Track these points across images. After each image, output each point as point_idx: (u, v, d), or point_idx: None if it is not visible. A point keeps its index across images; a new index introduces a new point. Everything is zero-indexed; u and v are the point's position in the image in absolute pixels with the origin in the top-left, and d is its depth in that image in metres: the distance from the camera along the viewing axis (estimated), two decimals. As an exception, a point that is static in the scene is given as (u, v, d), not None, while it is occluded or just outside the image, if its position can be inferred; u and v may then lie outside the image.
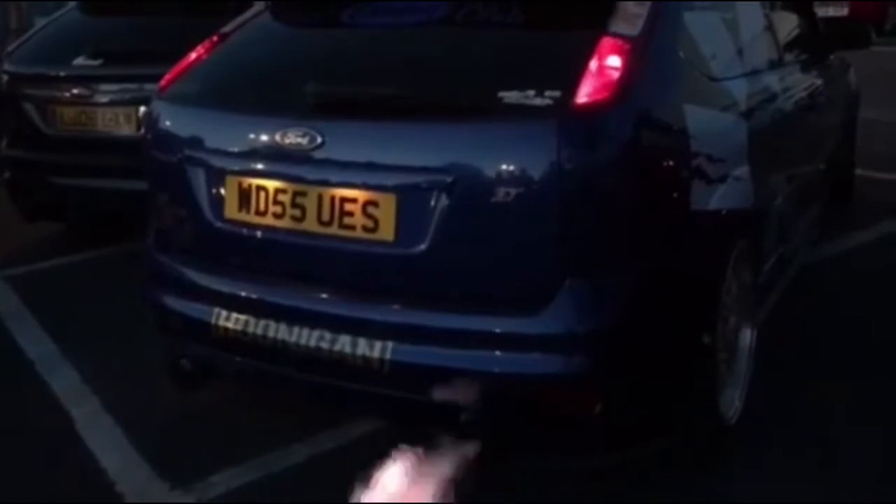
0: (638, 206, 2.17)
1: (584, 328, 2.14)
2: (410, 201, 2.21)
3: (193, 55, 2.81)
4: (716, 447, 2.59)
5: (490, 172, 2.13)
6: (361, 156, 2.26)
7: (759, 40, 2.99)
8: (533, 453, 2.40)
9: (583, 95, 2.11)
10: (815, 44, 3.86)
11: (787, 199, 3.14)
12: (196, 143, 2.56)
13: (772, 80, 3.01)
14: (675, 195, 2.28)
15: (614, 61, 2.17)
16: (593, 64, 2.17)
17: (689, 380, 2.36)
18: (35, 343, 3.73)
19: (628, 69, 2.17)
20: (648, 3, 2.37)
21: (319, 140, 2.26)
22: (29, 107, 4.56)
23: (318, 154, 2.28)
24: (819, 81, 3.73)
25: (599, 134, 2.12)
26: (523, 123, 2.11)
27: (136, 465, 2.78)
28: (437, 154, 2.19)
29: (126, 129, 4.36)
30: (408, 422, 2.43)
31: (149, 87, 3.05)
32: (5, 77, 4.70)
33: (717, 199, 2.42)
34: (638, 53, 2.22)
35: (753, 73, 2.87)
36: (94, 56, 4.41)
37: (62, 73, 4.46)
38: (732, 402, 2.70)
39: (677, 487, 2.50)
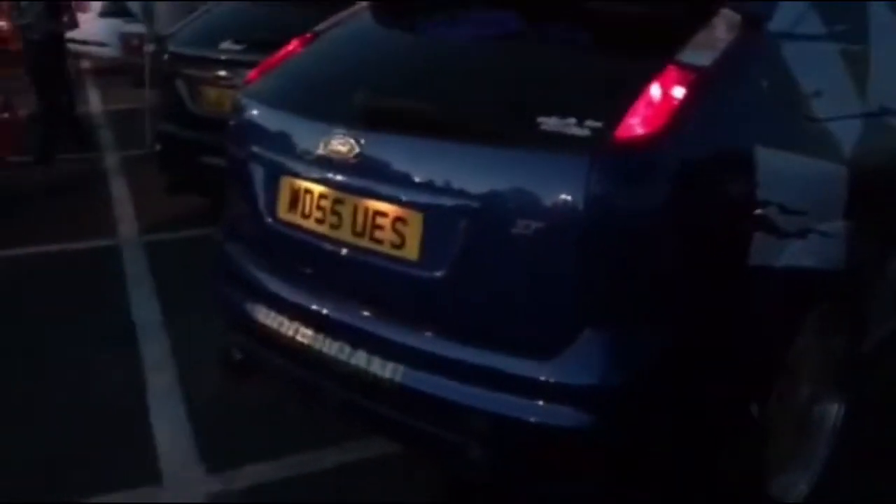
0: (676, 257, 1.95)
1: (594, 382, 1.95)
2: (437, 222, 2.11)
3: (282, 52, 2.84)
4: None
5: (515, 202, 1.99)
6: (395, 169, 2.19)
7: (891, 78, 2.61)
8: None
9: (626, 128, 1.92)
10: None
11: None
12: (261, 140, 2.59)
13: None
14: (727, 249, 2.03)
15: (672, 92, 1.96)
16: (647, 94, 1.96)
17: (726, 455, 2.10)
18: (144, 308, 3.97)
19: (686, 103, 1.95)
20: (737, 31, 2.12)
21: (357, 149, 2.21)
22: (181, 85, 4.84)
23: (355, 163, 2.23)
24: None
25: (636, 173, 1.92)
26: (554, 154, 1.95)
27: (185, 443, 2.89)
28: (466, 177, 2.07)
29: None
30: (416, 449, 2.34)
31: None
32: (166, 56, 5.03)
33: (790, 255, 2.12)
34: (703, 86, 1.99)
35: (873, 115, 2.51)
36: (239, 41, 4.61)
37: (209, 56, 4.69)
38: (795, 485, 2.39)
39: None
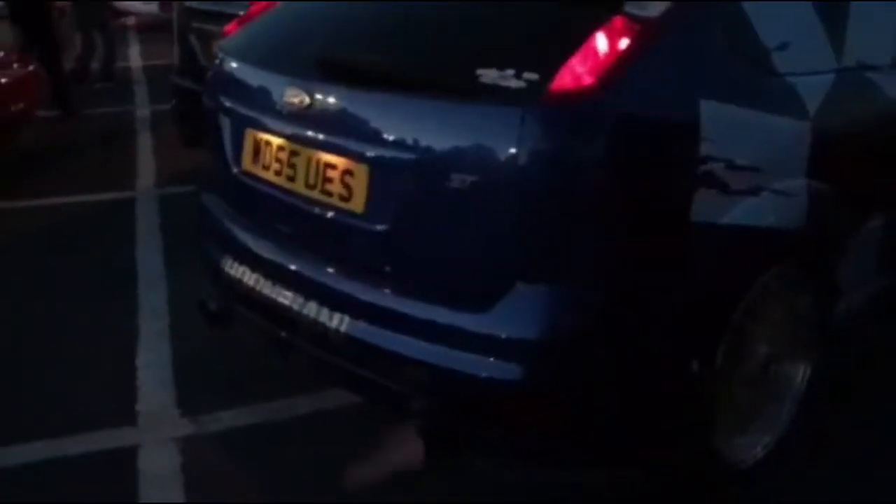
0: (613, 211, 1.93)
1: (528, 335, 1.95)
2: (380, 175, 2.12)
3: (259, 6, 2.86)
4: (705, 491, 2.29)
5: (452, 155, 1.99)
6: (344, 122, 2.20)
7: (871, 35, 2.50)
8: (483, 459, 2.26)
9: (561, 80, 1.89)
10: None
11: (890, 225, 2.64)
12: (230, 92, 2.62)
13: (878, 83, 2.52)
14: (668, 204, 2.00)
15: (613, 44, 1.92)
16: (588, 46, 1.93)
17: (662, 411, 2.09)
18: (149, 260, 4.07)
19: (627, 55, 1.91)
20: None
21: (309, 101, 2.23)
22: (193, 39, 4.89)
23: (308, 115, 2.25)
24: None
25: (570, 126, 1.89)
26: (489, 107, 1.94)
27: (165, 387, 2.98)
28: (409, 130, 2.07)
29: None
30: (366, 397, 2.38)
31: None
32: (179, 9, 5.08)
33: (739, 213, 2.08)
34: (648, 38, 1.95)
35: (849, 70, 2.42)
36: (248, -5, 4.62)
37: (218, 10, 4.71)
38: (752, 447, 2.37)
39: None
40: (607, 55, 1.91)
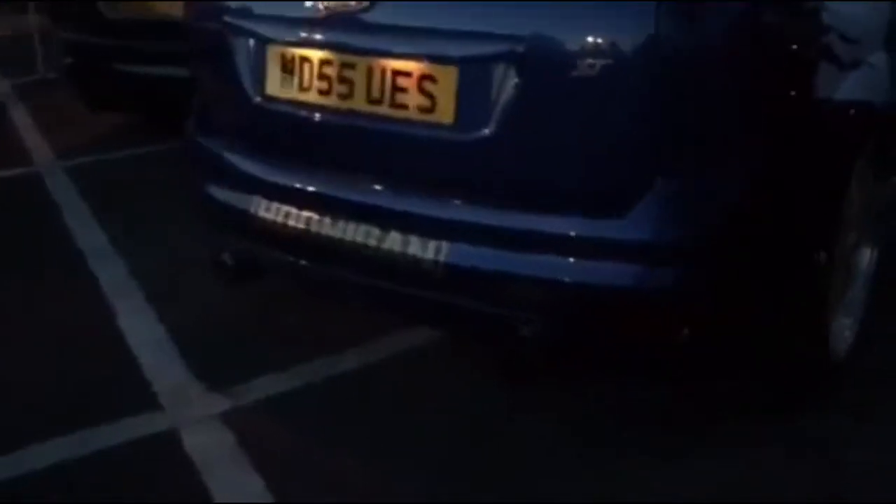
0: (753, 92, 1.78)
1: (673, 236, 1.78)
2: (474, 76, 1.86)
3: None
4: (820, 387, 2.22)
5: (572, 41, 1.76)
6: (417, 19, 1.92)
7: None
8: (601, 375, 2.09)
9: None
10: None
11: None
12: (237, 7, 2.25)
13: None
14: (798, 81, 1.87)
15: None
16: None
17: (797, 305, 1.98)
18: (87, 234, 3.59)
19: None
20: None
21: (367, 2, 1.93)
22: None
23: (367, 17, 1.95)
24: None
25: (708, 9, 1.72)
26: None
27: (174, 363, 2.60)
28: (507, 18, 1.82)
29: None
30: (461, 333, 2.15)
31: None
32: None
33: (848, 88, 1.99)
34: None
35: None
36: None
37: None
38: (843, 333, 2.31)
39: (774, 430, 2.15)
40: None
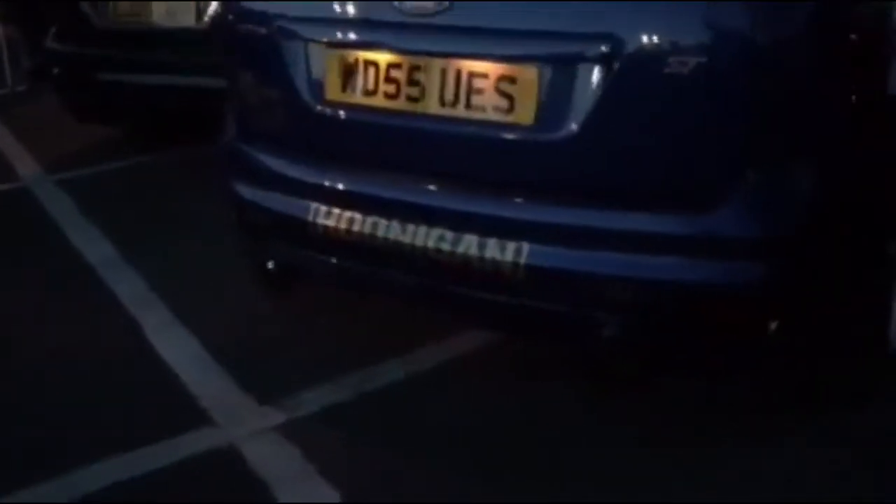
0: (837, 86, 1.81)
1: (764, 230, 1.80)
2: (556, 76, 1.86)
3: None
4: (872, 379, 2.26)
5: (664, 40, 1.76)
6: (495, 20, 1.90)
7: None
8: (679, 375, 2.09)
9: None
10: None
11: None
12: (291, 10, 2.21)
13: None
14: (877, 75, 1.90)
15: None
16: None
17: (870, 294, 2.02)
18: (94, 248, 3.47)
19: None
20: None
21: (447, 2, 1.90)
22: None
23: (441, 20, 1.92)
24: None
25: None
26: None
27: (217, 376, 2.53)
28: (591, 17, 1.82)
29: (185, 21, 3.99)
30: (539, 335, 2.14)
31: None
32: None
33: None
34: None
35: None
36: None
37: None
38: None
39: (831, 420, 2.18)
40: None
